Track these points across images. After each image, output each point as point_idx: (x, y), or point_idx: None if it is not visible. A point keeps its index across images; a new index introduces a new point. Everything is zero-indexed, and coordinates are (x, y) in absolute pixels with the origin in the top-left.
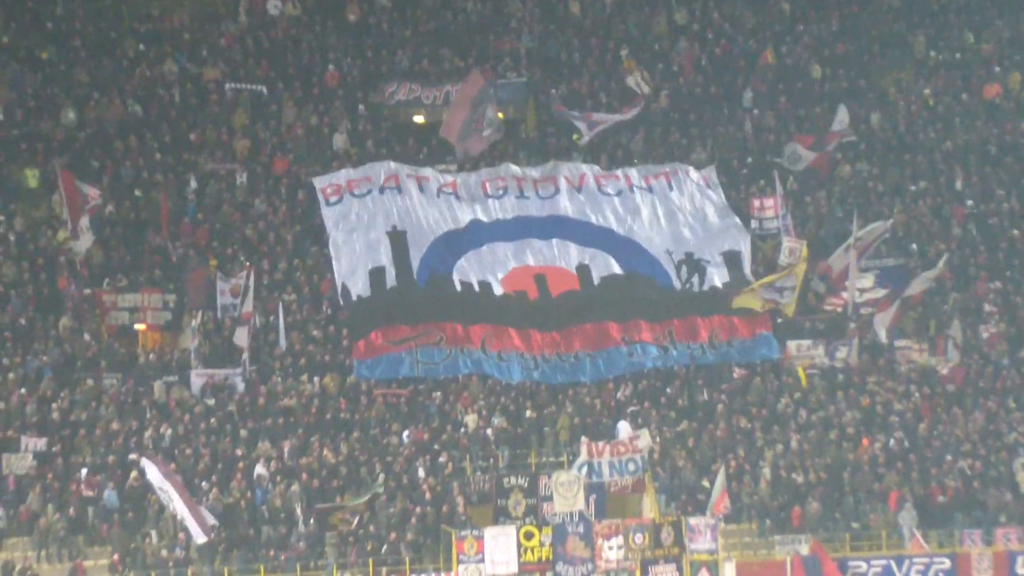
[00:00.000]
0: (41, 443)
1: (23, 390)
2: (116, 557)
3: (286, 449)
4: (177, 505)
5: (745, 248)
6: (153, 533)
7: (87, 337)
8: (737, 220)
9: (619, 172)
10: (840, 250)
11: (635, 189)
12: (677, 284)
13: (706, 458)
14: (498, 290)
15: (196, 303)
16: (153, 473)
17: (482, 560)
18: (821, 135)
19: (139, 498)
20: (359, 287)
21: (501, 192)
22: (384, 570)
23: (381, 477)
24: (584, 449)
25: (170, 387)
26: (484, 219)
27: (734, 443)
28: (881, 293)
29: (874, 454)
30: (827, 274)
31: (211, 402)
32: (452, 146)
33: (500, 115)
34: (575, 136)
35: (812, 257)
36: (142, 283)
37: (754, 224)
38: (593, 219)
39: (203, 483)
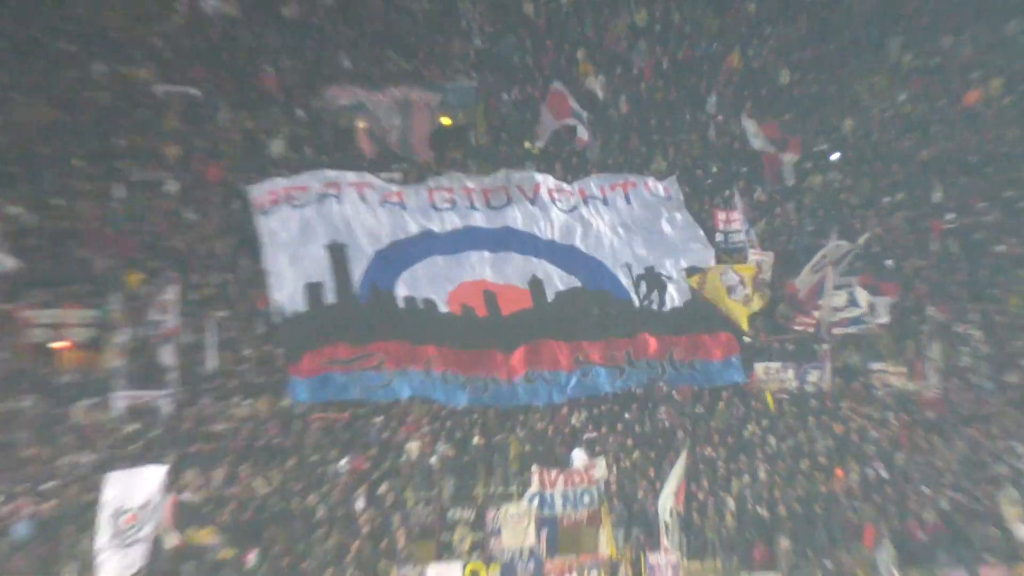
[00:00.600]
0: None
1: None
2: None
3: (215, 478)
4: (148, 528)
5: (709, 263)
6: (67, 570)
7: (2, 355)
8: (701, 234)
9: (574, 183)
10: (805, 270)
11: (591, 200)
12: (636, 300)
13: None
14: (444, 307)
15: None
16: (148, 485)
17: None
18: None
19: (55, 529)
20: (295, 303)
21: (449, 203)
22: None
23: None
24: (535, 479)
25: (90, 410)
26: (430, 231)
27: (697, 472)
28: (856, 312)
29: (849, 485)
30: (793, 295)
31: (134, 427)
32: (397, 154)
33: (448, 120)
34: (526, 143)
35: (781, 274)
36: (64, 298)
37: (719, 238)
38: (546, 231)
39: None
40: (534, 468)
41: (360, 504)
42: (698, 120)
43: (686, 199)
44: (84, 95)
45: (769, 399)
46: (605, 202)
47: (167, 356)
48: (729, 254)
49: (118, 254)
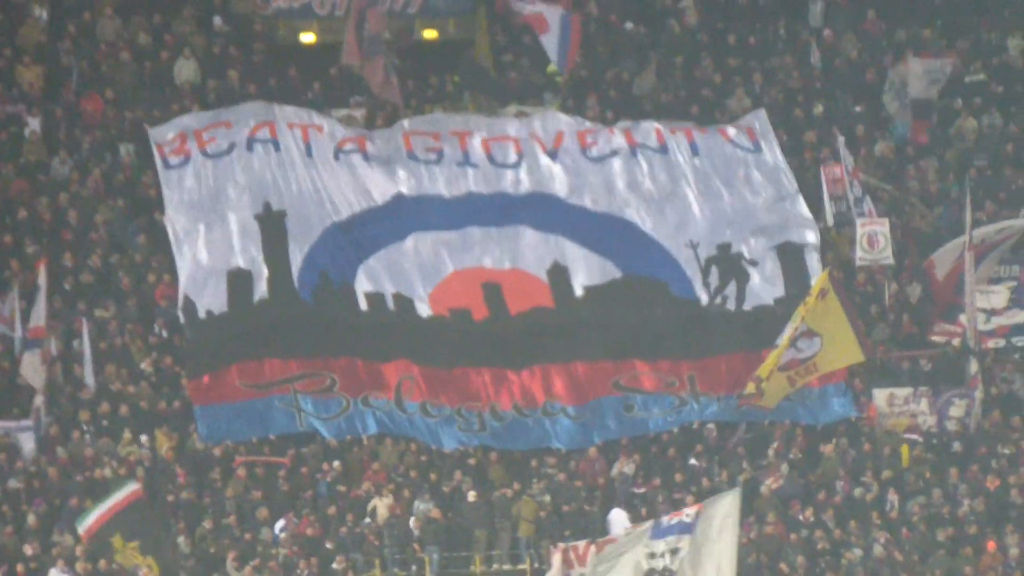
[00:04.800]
0: None
1: None
2: None
3: (99, 548)
4: None
5: (812, 241)
6: None
7: None
8: (800, 199)
9: (616, 126)
10: (953, 245)
11: (640, 151)
12: (704, 296)
13: (747, 569)
14: (425, 309)
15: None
16: None
17: None
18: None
19: None
20: (210, 298)
21: (434, 156)
22: None
23: None
24: (558, 558)
25: None
26: (405, 196)
27: (786, 546)
28: (1021, 316)
29: (1007, 564)
30: (930, 277)
31: None
32: (362, 80)
33: (433, 33)
34: (550, 67)
35: (911, 259)
36: None
37: (827, 206)
38: (574, 197)
39: None
40: (559, 545)
41: None
42: (797, 35)
43: (780, 150)
44: None
45: (904, 452)
46: (661, 152)
47: (29, 371)
48: (839, 229)
49: None
